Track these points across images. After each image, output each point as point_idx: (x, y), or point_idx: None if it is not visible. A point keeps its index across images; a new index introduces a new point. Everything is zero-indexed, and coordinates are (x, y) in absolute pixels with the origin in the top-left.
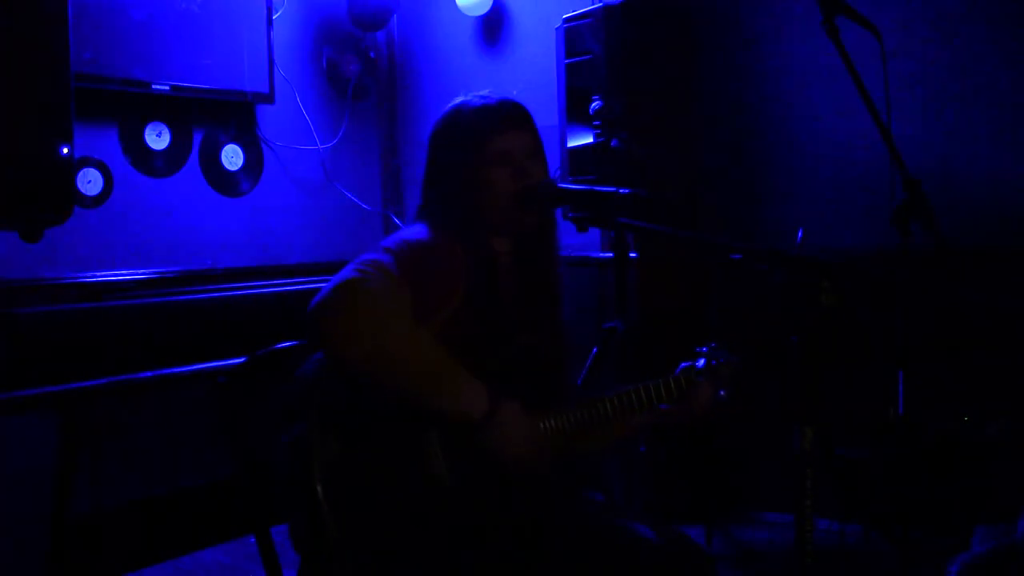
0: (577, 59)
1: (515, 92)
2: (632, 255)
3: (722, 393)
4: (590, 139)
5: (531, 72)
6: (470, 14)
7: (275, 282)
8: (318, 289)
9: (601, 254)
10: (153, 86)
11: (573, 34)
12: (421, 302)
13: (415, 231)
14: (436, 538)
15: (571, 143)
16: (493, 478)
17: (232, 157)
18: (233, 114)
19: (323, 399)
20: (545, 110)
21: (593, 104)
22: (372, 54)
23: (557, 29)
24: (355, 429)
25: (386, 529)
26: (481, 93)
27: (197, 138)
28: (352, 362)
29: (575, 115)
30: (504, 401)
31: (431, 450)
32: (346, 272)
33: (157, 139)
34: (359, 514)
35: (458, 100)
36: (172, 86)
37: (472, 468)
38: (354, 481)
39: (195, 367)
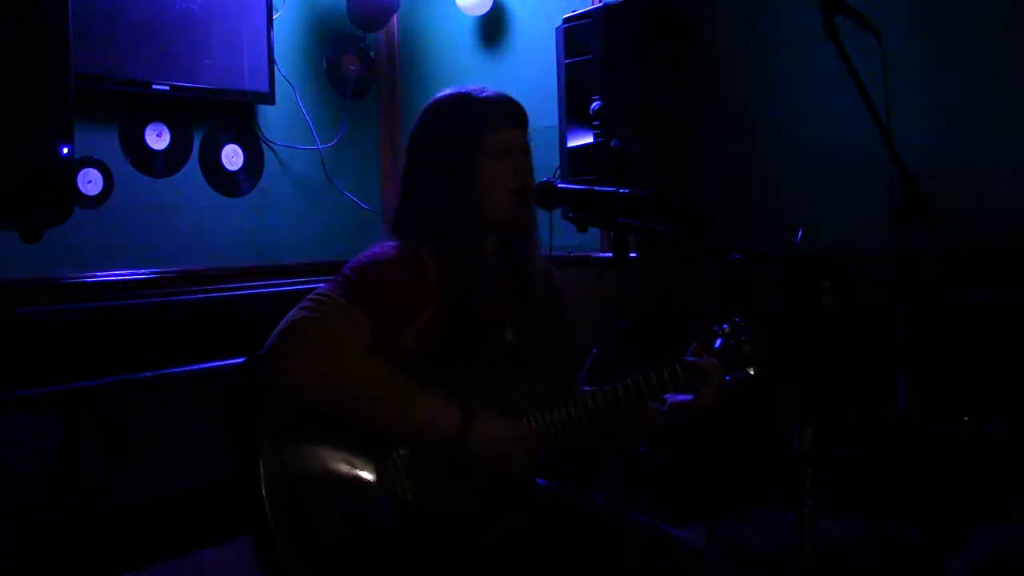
0: (577, 59)
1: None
2: (632, 255)
3: (749, 371)
4: (590, 139)
5: (531, 72)
6: (470, 14)
7: (275, 282)
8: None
9: (601, 254)
10: (153, 86)
11: (573, 34)
12: (383, 321)
13: (379, 248)
14: (402, 558)
15: (571, 143)
16: (459, 492)
17: (232, 157)
18: (233, 114)
19: (277, 420)
20: (545, 110)
21: (593, 104)
22: (372, 54)
23: (557, 29)
24: (312, 451)
25: (347, 554)
26: (474, 86)
27: (197, 138)
28: (311, 403)
29: (575, 115)
30: (476, 412)
31: (394, 468)
32: (294, 312)
33: (157, 139)
34: (314, 537)
35: (449, 92)
36: (172, 86)
37: (437, 484)
38: (309, 506)
39: (195, 367)
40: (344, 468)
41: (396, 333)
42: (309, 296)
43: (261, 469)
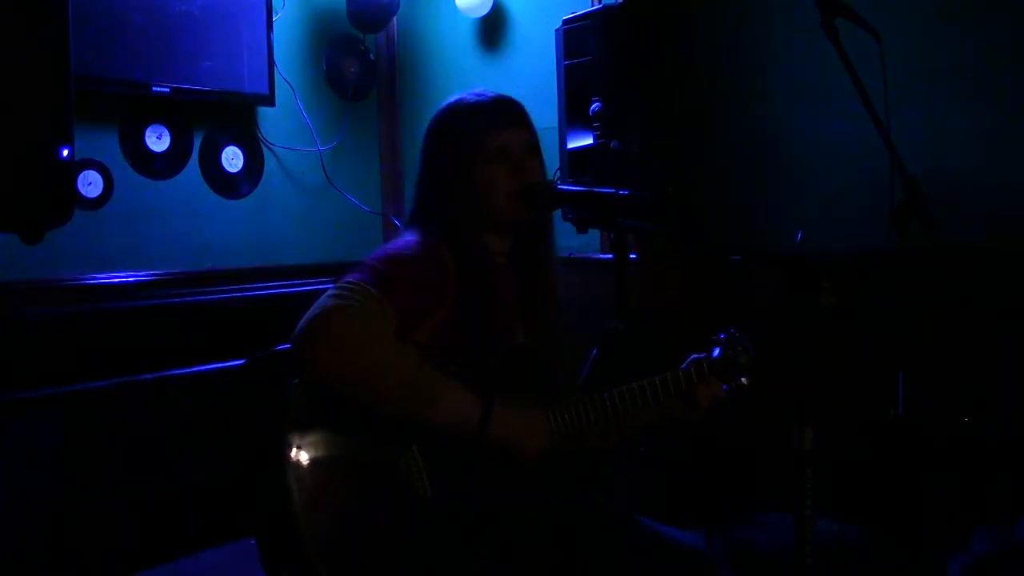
0: (577, 60)
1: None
2: (632, 256)
3: (743, 380)
4: (590, 140)
5: (531, 73)
6: (470, 15)
7: (275, 284)
8: (318, 291)
9: (601, 255)
10: (153, 88)
11: (573, 35)
12: (407, 314)
13: (402, 241)
14: (420, 552)
15: (571, 144)
16: (474, 488)
17: (232, 159)
18: (233, 116)
19: (298, 416)
20: (545, 111)
21: (593, 105)
22: (372, 56)
23: (557, 30)
24: (333, 445)
25: (367, 546)
26: (476, 90)
27: (197, 140)
28: (336, 389)
29: (575, 116)
30: (495, 402)
31: (413, 462)
32: (323, 299)
33: (157, 141)
34: (338, 531)
35: (452, 99)
36: (172, 88)
37: (453, 479)
38: (332, 498)
39: (195, 369)
40: (365, 463)
41: (415, 327)
42: (338, 284)
43: (289, 463)
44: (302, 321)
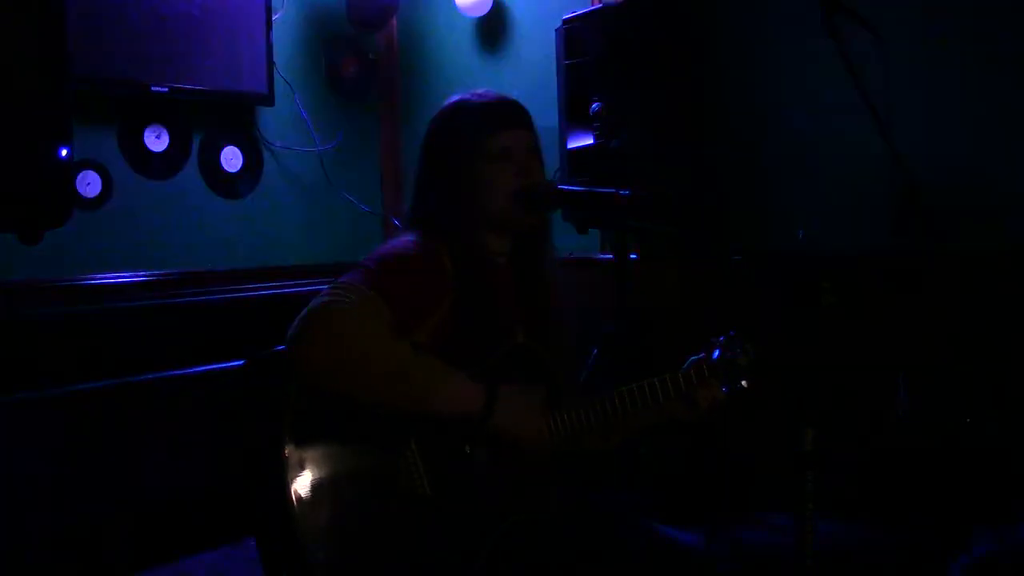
0: (577, 60)
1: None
2: (632, 256)
3: (743, 383)
4: (590, 140)
5: (531, 73)
6: (470, 15)
7: (274, 284)
8: (317, 292)
9: (602, 255)
10: (152, 88)
11: (573, 35)
12: (403, 314)
13: (398, 241)
14: (419, 552)
15: (571, 144)
16: (473, 486)
17: (231, 159)
18: (232, 116)
19: (298, 418)
20: (545, 111)
21: (593, 105)
22: (372, 55)
23: (557, 30)
24: (330, 445)
25: (366, 546)
26: (478, 91)
27: (196, 140)
28: (331, 387)
29: (575, 116)
30: (499, 387)
31: (411, 461)
32: (316, 300)
33: (156, 141)
34: (337, 532)
35: (453, 99)
36: (171, 88)
37: (452, 478)
38: (331, 498)
39: (194, 369)
40: (363, 464)
41: (412, 326)
42: (331, 285)
43: (286, 468)
44: (295, 321)
